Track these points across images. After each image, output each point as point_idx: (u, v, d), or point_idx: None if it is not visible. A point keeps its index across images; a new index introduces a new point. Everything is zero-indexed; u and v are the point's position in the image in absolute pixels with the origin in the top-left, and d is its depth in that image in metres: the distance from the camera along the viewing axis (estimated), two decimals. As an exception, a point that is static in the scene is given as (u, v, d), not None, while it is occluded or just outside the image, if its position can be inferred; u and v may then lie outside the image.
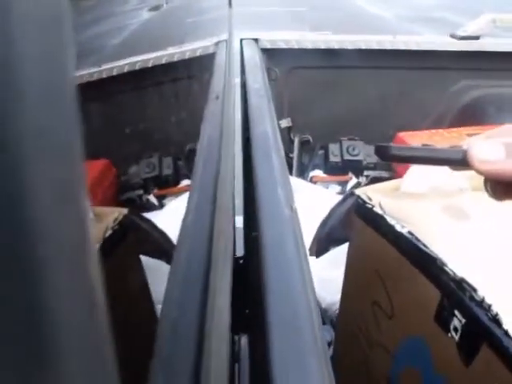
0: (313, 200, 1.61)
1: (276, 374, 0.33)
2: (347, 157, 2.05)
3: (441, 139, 1.73)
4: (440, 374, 0.71)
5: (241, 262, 0.84)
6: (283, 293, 0.41)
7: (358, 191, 0.89)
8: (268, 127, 0.78)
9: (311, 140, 2.10)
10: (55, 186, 0.12)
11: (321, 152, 2.10)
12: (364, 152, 2.04)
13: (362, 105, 2.01)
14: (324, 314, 1.26)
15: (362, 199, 0.87)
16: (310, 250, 1.05)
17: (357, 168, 2.04)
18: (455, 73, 1.99)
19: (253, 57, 1.39)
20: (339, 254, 1.07)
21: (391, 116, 1.99)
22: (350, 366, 0.96)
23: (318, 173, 2.05)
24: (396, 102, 2.02)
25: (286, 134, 2.04)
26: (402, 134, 1.81)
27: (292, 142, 2.07)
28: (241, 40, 1.64)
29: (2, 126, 0.11)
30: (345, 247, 1.00)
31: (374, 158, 2.04)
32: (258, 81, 1.07)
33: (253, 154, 0.68)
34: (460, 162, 0.38)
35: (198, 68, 1.80)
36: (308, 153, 2.11)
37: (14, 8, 0.11)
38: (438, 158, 0.40)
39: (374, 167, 2.04)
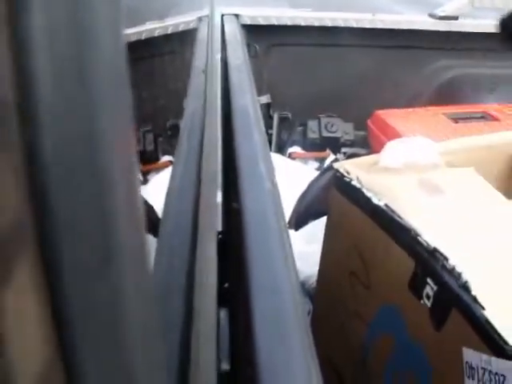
0: (291, 175, 1.64)
1: (258, 344, 0.34)
2: (325, 134, 2.07)
3: (417, 117, 1.76)
4: (413, 339, 0.75)
5: (220, 236, 0.86)
6: (264, 264, 0.42)
7: (336, 165, 0.91)
8: (248, 102, 0.79)
9: (290, 117, 2.11)
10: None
11: (299, 129, 2.12)
12: (342, 129, 2.07)
13: (340, 82, 2.02)
14: (302, 286, 1.29)
15: (340, 173, 0.89)
16: (289, 223, 1.07)
17: (335, 145, 2.07)
18: (433, 52, 2.02)
19: (233, 33, 1.40)
20: (318, 228, 1.09)
21: (369, 94, 2.00)
22: (327, 335, 0.99)
23: (296, 149, 2.07)
24: (374, 81, 2.04)
25: (266, 111, 2.05)
26: (379, 112, 1.83)
27: (271, 118, 2.08)
28: (222, 15, 1.64)
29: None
30: (323, 221, 1.02)
31: (352, 135, 2.07)
32: (238, 56, 1.08)
33: (233, 128, 0.69)
34: None
35: (180, 43, 1.79)
36: (287, 129, 2.13)
37: None
38: None
39: (352, 144, 2.07)
